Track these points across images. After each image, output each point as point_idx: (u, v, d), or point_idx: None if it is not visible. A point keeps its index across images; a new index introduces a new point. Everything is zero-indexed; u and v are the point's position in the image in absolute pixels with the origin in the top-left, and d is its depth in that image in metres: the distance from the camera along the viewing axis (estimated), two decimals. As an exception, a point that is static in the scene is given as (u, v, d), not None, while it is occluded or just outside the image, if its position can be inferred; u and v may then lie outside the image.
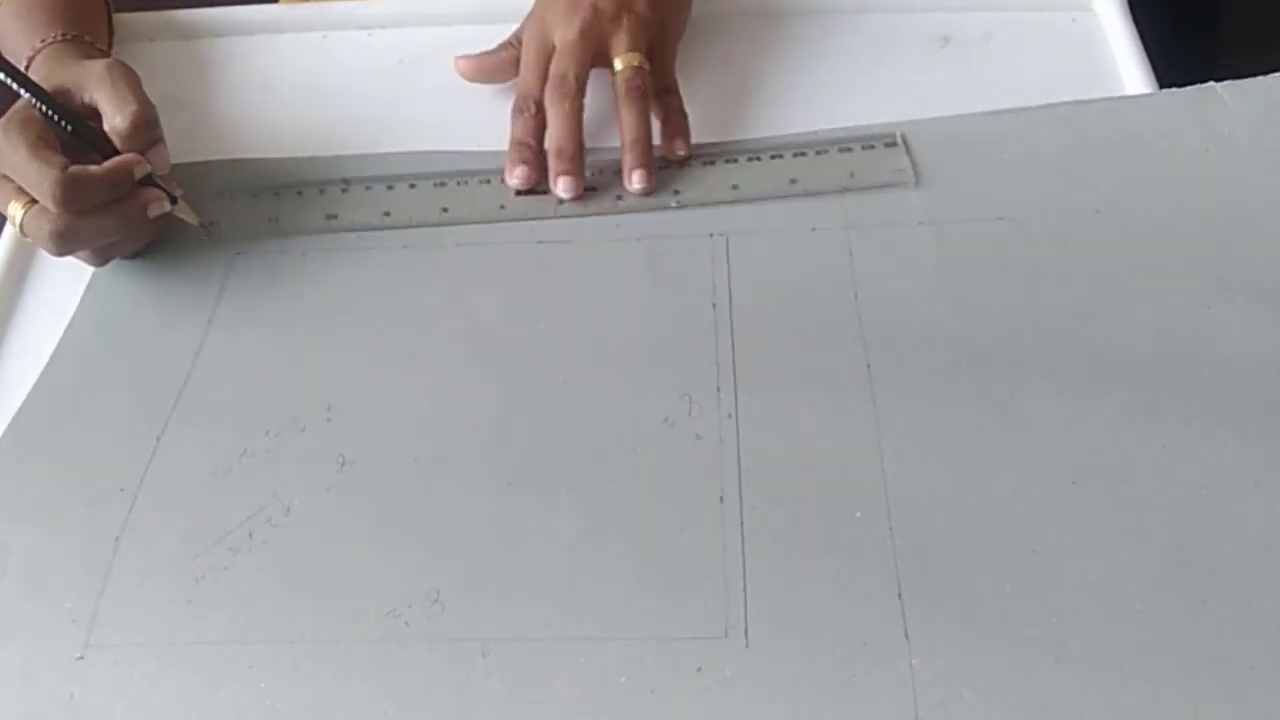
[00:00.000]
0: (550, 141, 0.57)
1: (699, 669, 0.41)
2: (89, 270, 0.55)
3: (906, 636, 0.42)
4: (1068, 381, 0.48)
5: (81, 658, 0.43)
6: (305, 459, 0.48)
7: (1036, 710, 0.40)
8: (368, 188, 0.58)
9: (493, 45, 0.63)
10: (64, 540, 0.46)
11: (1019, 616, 0.42)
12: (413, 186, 0.57)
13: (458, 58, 0.62)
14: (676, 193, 0.56)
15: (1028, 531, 0.44)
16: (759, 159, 0.57)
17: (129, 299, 0.54)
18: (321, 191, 0.58)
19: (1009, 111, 0.58)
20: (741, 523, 0.45)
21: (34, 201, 0.50)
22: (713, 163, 0.57)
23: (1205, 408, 0.47)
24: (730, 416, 0.48)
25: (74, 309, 0.54)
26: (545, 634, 0.42)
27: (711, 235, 0.54)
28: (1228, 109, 0.57)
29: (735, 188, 0.56)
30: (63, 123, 0.52)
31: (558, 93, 0.56)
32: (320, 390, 0.50)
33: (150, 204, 0.53)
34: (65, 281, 0.56)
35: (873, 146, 0.57)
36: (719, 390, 0.49)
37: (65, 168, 0.49)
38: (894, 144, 0.57)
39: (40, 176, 0.49)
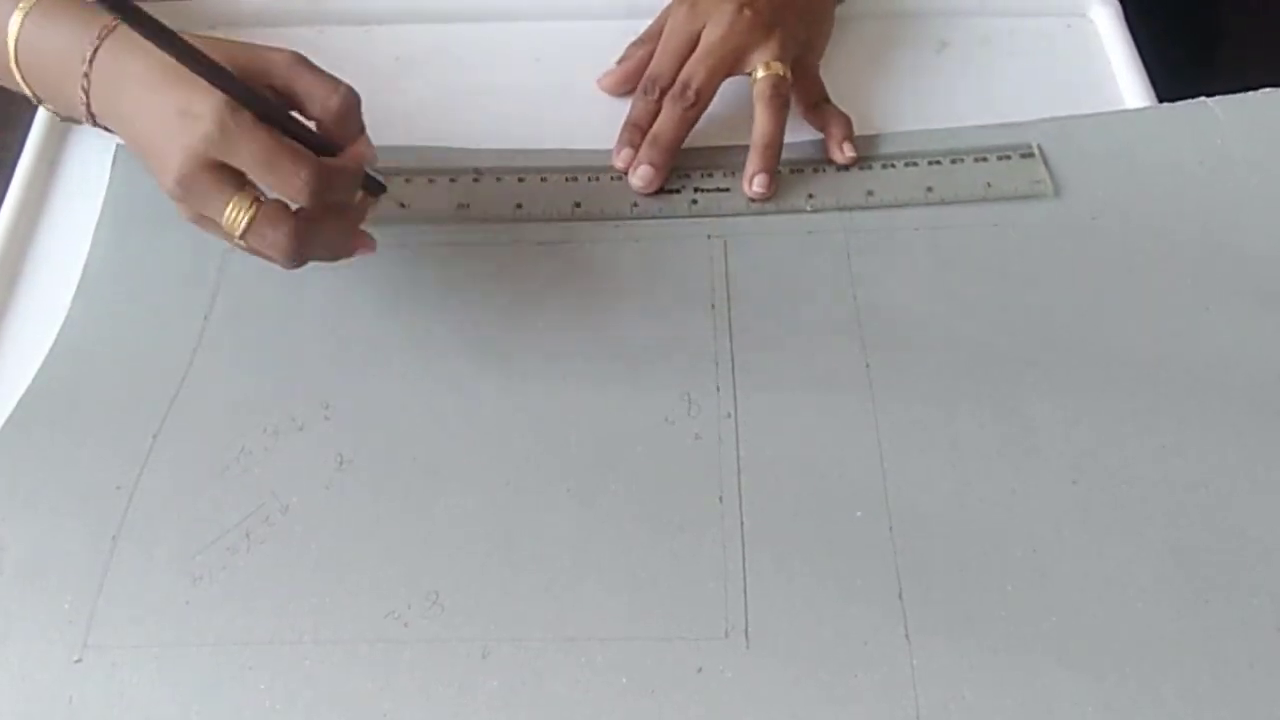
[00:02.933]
0: (657, 126, 0.56)
1: (699, 669, 0.41)
2: (79, 268, 0.55)
3: (907, 637, 0.42)
4: (1067, 382, 0.48)
5: (79, 660, 0.42)
6: (303, 458, 0.47)
7: (1038, 710, 0.40)
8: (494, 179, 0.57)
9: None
10: (61, 539, 0.45)
11: (1020, 616, 0.42)
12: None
13: (600, 78, 0.62)
14: (810, 196, 0.56)
15: (1028, 531, 0.44)
16: (894, 166, 0.57)
17: (124, 296, 0.54)
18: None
19: (1005, 125, 0.58)
20: (741, 522, 0.45)
21: (258, 202, 0.44)
22: (846, 169, 0.57)
23: (1204, 408, 0.47)
24: (729, 416, 0.48)
25: (68, 307, 0.54)
26: (545, 635, 0.42)
27: (710, 237, 0.54)
28: (1220, 123, 0.58)
29: (870, 194, 0.56)
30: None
31: (679, 98, 0.56)
32: (318, 388, 0.50)
33: (368, 200, 0.50)
34: (59, 280, 0.55)
35: (1008, 157, 0.56)
36: (718, 390, 0.49)
37: (316, 157, 0.44)
38: (1030, 154, 0.56)
39: (295, 165, 0.43)
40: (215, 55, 0.44)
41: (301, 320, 0.52)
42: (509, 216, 0.55)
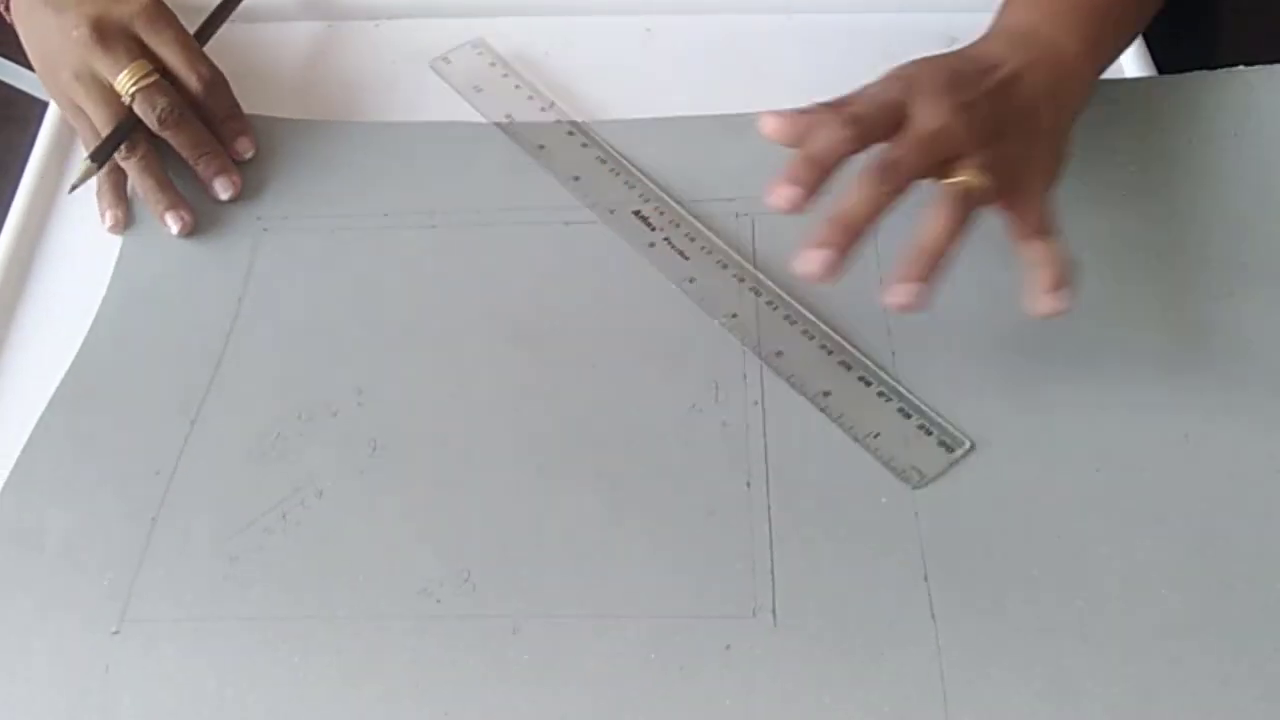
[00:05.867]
0: (842, 204, 0.44)
1: (727, 646, 0.42)
2: (93, 263, 0.56)
3: (933, 617, 0.42)
4: (1089, 369, 0.49)
5: (117, 631, 0.43)
6: (337, 443, 0.48)
7: (1064, 690, 0.40)
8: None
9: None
10: (101, 520, 0.46)
11: (1045, 600, 0.42)
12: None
13: (767, 115, 0.47)
14: None
15: (1052, 518, 0.45)
16: None
17: (159, 281, 0.55)
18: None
19: None
20: (768, 507, 0.45)
21: (150, 76, 0.55)
22: None
23: (1228, 394, 0.47)
24: (756, 404, 0.49)
25: (73, 300, 0.55)
26: (575, 612, 0.43)
27: (738, 215, 0.55)
28: (1256, 95, 0.57)
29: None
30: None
31: (884, 177, 0.44)
32: (351, 374, 0.51)
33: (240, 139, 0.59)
34: (65, 280, 0.56)
35: None
36: (745, 377, 0.49)
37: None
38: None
39: (203, 58, 0.57)
40: None
41: (333, 305, 0.53)
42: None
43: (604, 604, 0.43)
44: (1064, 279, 0.46)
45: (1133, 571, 0.43)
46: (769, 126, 0.47)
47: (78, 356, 0.52)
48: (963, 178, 0.45)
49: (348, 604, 0.43)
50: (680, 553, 0.44)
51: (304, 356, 0.52)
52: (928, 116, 0.45)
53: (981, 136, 0.46)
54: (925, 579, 0.43)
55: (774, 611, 0.42)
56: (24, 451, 0.49)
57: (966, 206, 0.45)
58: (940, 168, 0.46)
